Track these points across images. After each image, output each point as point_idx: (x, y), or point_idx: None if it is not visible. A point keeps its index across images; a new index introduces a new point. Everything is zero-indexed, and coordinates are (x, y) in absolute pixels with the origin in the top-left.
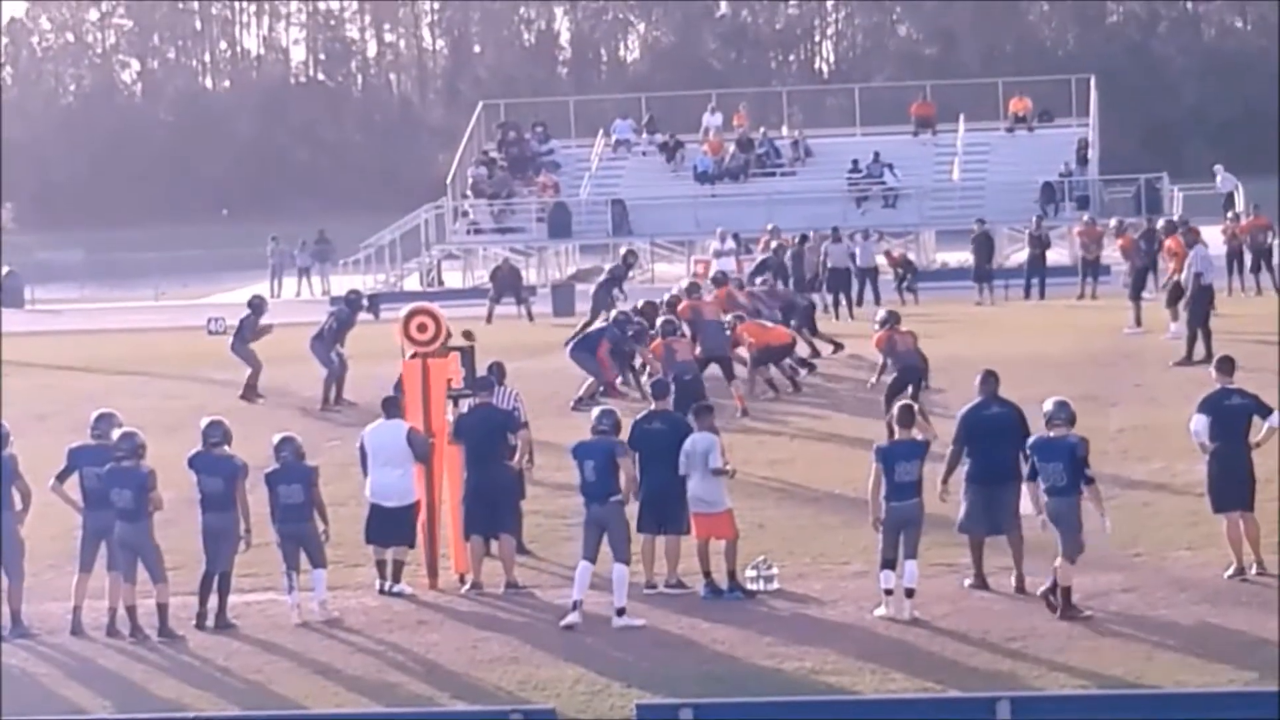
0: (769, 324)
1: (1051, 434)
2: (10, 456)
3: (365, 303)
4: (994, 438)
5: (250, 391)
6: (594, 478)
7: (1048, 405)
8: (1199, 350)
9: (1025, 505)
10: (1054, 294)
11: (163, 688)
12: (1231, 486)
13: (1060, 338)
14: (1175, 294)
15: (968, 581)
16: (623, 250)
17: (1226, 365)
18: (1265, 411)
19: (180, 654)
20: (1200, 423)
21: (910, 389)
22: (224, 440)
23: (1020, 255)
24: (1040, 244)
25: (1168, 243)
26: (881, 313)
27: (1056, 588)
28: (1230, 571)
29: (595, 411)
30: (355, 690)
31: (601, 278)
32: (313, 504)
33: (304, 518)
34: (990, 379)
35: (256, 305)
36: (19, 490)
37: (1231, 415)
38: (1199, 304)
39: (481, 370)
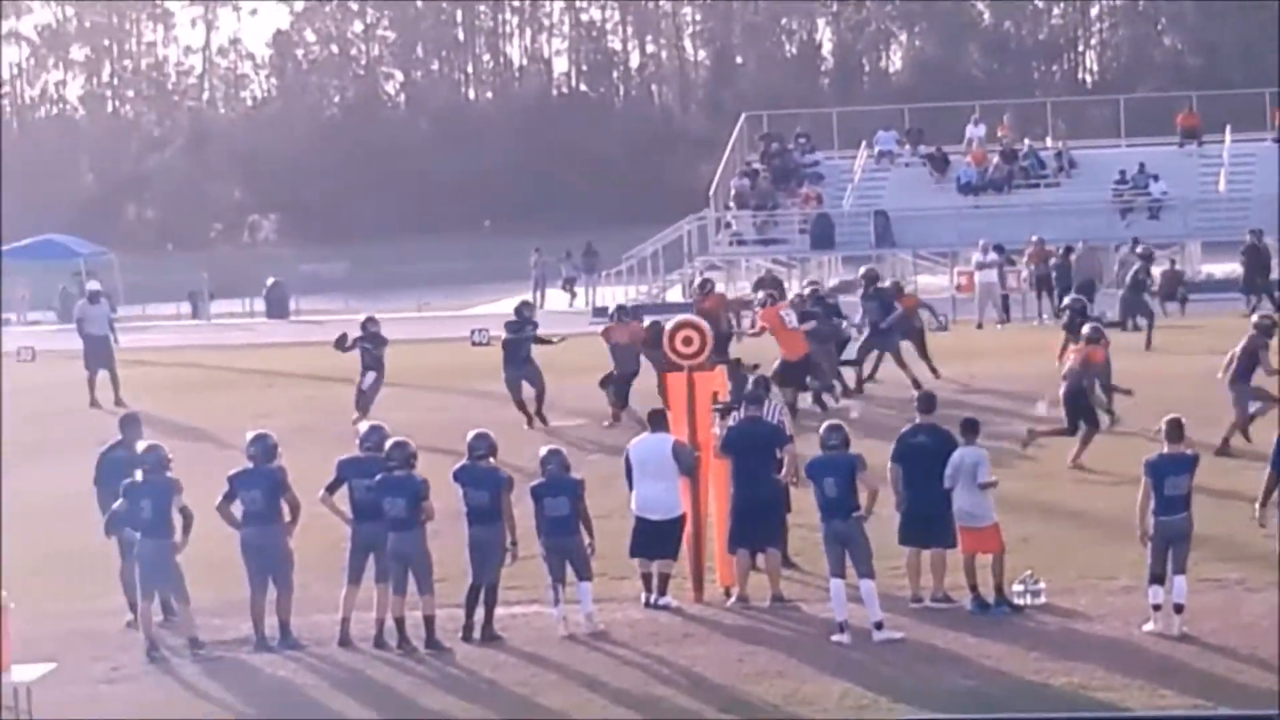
0: (794, 329)
1: None
2: (279, 468)
3: (531, 315)
4: None
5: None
6: (835, 494)
7: None
8: None
9: None
10: None
11: (430, 699)
12: None
13: None
14: None
15: None
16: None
17: None
18: None
19: (447, 666)
20: None
21: None
22: (490, 453)
23: None
24: (1260, 255)
25: None
26: None
27: None
28: None
29: (823, 428)
30: (621, 703)
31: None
32: (578, 517)
33: (570, 530)
34: None
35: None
36: (288, 502)
37: None
38: None
39: None
